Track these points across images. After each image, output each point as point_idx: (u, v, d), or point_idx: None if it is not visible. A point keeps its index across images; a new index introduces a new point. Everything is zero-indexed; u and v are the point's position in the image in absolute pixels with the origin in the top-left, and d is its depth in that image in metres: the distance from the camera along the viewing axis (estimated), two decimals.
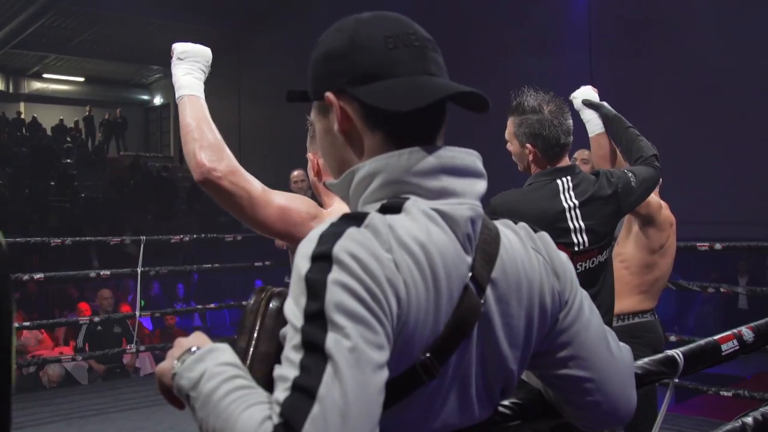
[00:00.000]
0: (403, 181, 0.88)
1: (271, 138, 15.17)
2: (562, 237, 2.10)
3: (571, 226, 2.14)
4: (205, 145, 1.44)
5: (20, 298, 8.58)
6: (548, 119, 2.14)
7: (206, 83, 1.58)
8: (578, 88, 2.60)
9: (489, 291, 0.90)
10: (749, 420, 1.49)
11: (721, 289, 4.63)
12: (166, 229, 10.25)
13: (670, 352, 1.40)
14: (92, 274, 5.93)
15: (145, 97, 22.03)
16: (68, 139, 17.89)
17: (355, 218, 0.83)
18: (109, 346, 5.88)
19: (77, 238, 6.00)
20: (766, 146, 8.08)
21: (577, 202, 2.15)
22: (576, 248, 2.13)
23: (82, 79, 20.20)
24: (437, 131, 0.92)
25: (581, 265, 2.15)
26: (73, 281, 8.70)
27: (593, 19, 10.08)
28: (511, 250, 0.94)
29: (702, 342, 1.49)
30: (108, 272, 5.67)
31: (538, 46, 10.08)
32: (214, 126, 1.48)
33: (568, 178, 2.18)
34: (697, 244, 4.31)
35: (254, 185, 1.46)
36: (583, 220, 2.15)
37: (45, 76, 19.77)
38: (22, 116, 18.48)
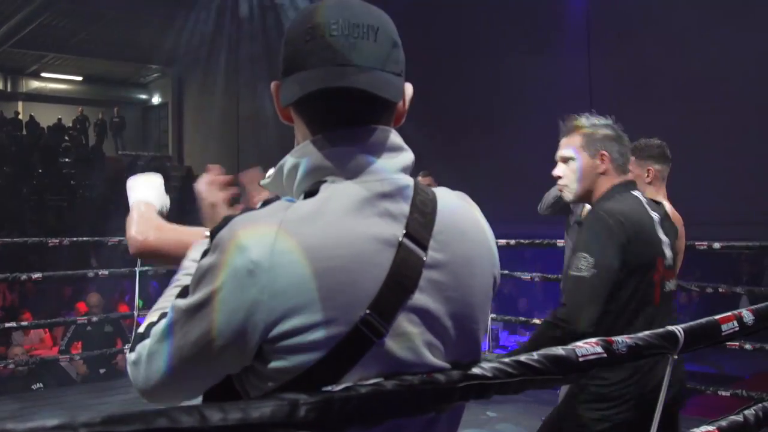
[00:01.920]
0: (322, 167, 0.91)
1: (271, 133, 15.12)
2: (659, 249, 1.99)
3: (663, 238, 2.02)
4: (139, 223, 1.48)
5: (18, 297, 8.57)
6: (616, 128, 2.08)
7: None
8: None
9: (434, 250, 0.91)
10: (748, 413, 1.51)
11: (720, 290, 4.61)
12: None
13: (671, 328, 1.41)
14: (90, 273, 5.92)
15: (143, 97, 21.95)
16: (66, 138, 17.83)
17: (266, 202, 0.91)
18: (99, 347, 5.86)
19: (75, 238, 5.97)
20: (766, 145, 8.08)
21: (658, 216, 2.04)
22: (665, 263, 2.01)
23: (80, 79, 20.14)
24: (356, 114, 0.92)
25: (670, 283, 2.02)
26: (71, 281, 8.67)
27: (592, 19, 10.07)
28: (450, 210, 0.95)
29: (703, 321, 1.51)
30: (106, 272, 5.64)
31: (537, 46, 10.07)
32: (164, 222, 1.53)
33: (639, 191, 2.08)
34: (696, 243, 4.30)
35: (189, 231, 1.44)
36: (665, 235, 2.04)
37: (43, 75, 19.70)
38: (20, 116, 18.42)
